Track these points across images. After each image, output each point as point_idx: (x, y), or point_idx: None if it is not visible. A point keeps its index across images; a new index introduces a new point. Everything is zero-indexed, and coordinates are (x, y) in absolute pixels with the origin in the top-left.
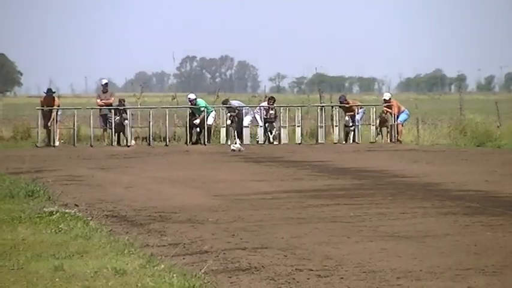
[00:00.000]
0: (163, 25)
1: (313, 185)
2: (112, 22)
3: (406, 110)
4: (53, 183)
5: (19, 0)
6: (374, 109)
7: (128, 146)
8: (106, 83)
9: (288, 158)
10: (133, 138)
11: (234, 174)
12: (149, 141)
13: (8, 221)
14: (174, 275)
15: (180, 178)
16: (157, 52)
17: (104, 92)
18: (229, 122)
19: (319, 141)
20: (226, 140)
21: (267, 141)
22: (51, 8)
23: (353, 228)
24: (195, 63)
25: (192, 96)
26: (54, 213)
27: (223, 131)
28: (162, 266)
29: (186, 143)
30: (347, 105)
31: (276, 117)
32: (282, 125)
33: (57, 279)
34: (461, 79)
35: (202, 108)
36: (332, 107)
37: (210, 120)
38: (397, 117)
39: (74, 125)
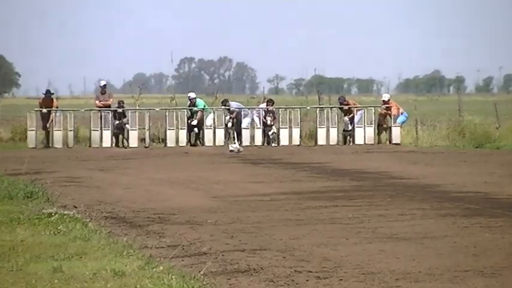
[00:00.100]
0: (161, 26)
1: (311, 187)
2: (111, 23)
3: (405, 112)
4: (51, 184)
5: (17, 2)
6: (373, 110)
7: (125, 148)
8: (104, 85)
9: (286, 160)
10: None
11: (232, 176)
12: (148, 142)
13: (6, 222)
14: (173, 276)
15: (178, 179)
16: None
17: (102, 94)
18: (229, 124)
19: (318, 143)
20: (225, 141)
21: (265, 143)
22: (50, 9)
23: (352, 230)
24: (193, 65)
25: (192, 94)
26: (53, 214)
27: (218, 132)
28: (161, 267)
29: (188, 142)
30: (346, 106)
31: (274, 118)
32: (280, 126)
33: (56, 281)
34: (460, 80)
35: (200, 107)
36: (331, 108)
37: (209, 122)
38: (396, 119)
39: (72, 126)
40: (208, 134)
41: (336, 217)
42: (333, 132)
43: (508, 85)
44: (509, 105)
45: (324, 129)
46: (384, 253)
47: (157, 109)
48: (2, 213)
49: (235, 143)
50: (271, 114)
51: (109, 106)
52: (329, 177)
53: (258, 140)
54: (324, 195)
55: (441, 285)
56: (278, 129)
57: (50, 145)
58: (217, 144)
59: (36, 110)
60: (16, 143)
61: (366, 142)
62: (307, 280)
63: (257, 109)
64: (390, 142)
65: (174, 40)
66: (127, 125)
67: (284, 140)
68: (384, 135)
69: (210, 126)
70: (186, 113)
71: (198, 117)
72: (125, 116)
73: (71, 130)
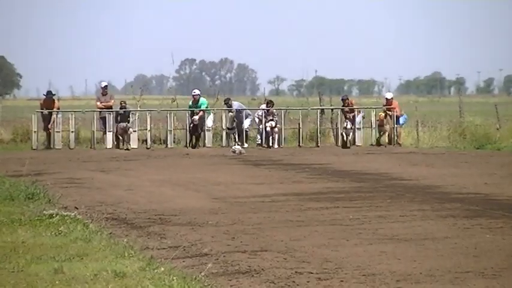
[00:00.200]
0: (163, 27)
1: (312, 188)
2: (112, 25)
3: (404, 114)
4: (52, 185)
5: (18, 3)
6: (374, 112)
7: (129, 150)
8: (105, 86)
9: (287, 161)
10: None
11: (233, 177)
12: (150, 143)
13: (8, 224)
14: (174, 277)
15: (180, 181)
16: (156, 55)
17: (103, 95)
18: (232, 126)
19: (319, 144)
20: (227, 143)
21: (265, 143)
22: (51, 11)
23: (352, 231)
24: (194, 66)
25: (197, 91)
26: (54, 215)
27: (208, 134)
28: (162, 268)
29: (186, 145)
30: (347, 108)
31: (276, 121)
32: (281, 127)
33: (57, 282)
34: (460, 82)
35: (203, 106)
36: (332, 109)
37: (209, 123)
38: (397, 120)
39: (74, 127)
40: (209, 135)
41: (337, 218)
42: (335, 133)
43: (508, 86)
44: (510, 106)
45: (325, 131)
46: (385, 254)
47: (159, 110)
48: (3, 214)
49: (237, 145)
50: (271, 116)
51: (110, 107)
52: (330, 179)
53: (259, 141)
54: (324, 196)
55: (442, 286)
56: (279, 130)
57: (51, 146)
58: (218, 145)
59: (37, 111)
60: (17, 144)
61: (367, 143)
62: (308, 281)
63: (258, 111)
64: (390, 143)
65: (175, 41)
66: (130, 129)
67: (282, 141)
68: (385, 137)
69: (211, 127)
70: (187, 114)
71: (199, 114)
72: (129, 119)
73: (72, 131)
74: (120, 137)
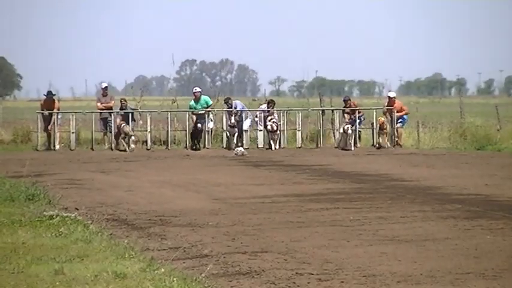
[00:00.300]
0: (163, 28)
1: (312, 189)
2: (112, 25)
3: (405, 116)
4: (53, 186)
5: (19, 4)
6: (375, 113)
7: (132, 152)
8: (106, 87)
9: (287, 162)
10: (133, 142)
11: (233, 178)
12: (150, 145)
13: (8, 225)
14: (175, 279)
15: (180, 182)
16: (157, 56)
17: (103, 96)
18: (233, 127)
19: (319, 145)
20: (229, 144)
21: (266, 144)
22: (51, 11)
23: (353, 232)
24: (194, 67)
25: (198, 88)
26: (54, 216)
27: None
28: (163, 269)
29: (186, 147)
30: (348, 109)
31: (277, 122)
32: (281, 128)
33: (57, 283)
34: (461, 83)
35: (205, 104)
36: (332, 110)
37: (210, 124)
38: (398, 120)
39: (74, 128)
40: (209, 136)
41: (337, 219)
42: (335, 135)
43: (509, 87)
44: (511, 107)
45: (325, 132)
46: (385, 255)
47: (159, 111)
48: (3, 215)
49: (239, 146)
50: (272, 116)
51: (110, 108)
52: (330, 180)
53: (259, 142)
54: (325, 197)
55: (442, 287)
56: (280, 131)
57: (52, 147)
58: (218, 146)
59: (38, 112)
60: (18, 145)
61: (367, 144)
62: (308, 282)
63: (259, 112)
64: (391, 144)
65: (175, 42)
66: (132, 137)
67: (285, 142)
68: (385, 138)
69: (211, 129)
70: (188, 115)
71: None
72: (131, 119)
73: (72, 132)
74: (122, 140)
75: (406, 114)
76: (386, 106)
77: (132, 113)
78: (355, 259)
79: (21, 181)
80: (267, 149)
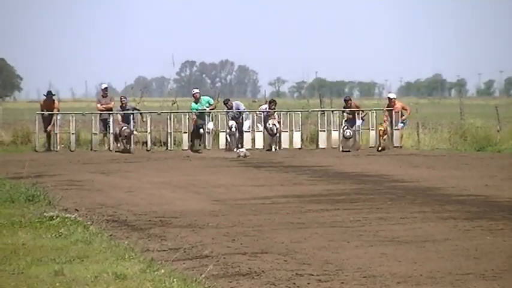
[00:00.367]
0: (163, 29)
1: (312, 190)
2: (112, 26)
3: (406, 120)
4: (53, 187)
5: (18, 4)
6: (375, 114)
7: (133, 153)
8: (106, 88)
9: (287, 163)
10: (133, 143)
11: (233, 179)
12: (150, 146)
13: (8, 226)
14: (175, 279)
15: (180, 183)
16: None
17: (103, 97)
18: (233, 128)
19: (319, 146)
20: (229, 146)
21: (266, 145)
22: (51, 12)
23: (353, 233)
24: (194, 68)
25: (196, 89)
26: (54, 217)
27: (209, 137)
28: (163, 270)
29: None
30: (348, 110)
31: (277, 127)
32: (282, 129)
33: (57, 284)
34: (461, 84)
35: (206, 104)
36: (332, 111)
37: (210, 126)
38: (399, 121)
39: (74, 129)
40: (209, 137)
41: (337, 220)
42: (335, 136)
43: (509, 88)
44: (511, 108)
45: (325, 133)
46: (385, 256)
47: (159, 112)
48: (3, 216)
49: (241, 147)
50: (273, 116)
51: (110, 109)
52: (330, 181)
53: (259, 143)
54: (325, 198)
55: None
56: (280, 132)
57: (52, 148)
58: (218, 147)
59: (37, 113)
60: (18, 147)
61: (367, 145)
62: (308, 283)
63: (259, 112)
64: (391, 145)
65: (175, 43)
66: (134, 133)
67: (285, 143)
68: (385, 139)
69: (211, 130)
70: (188, 116)
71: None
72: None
73: (72, 133)
74: (123, 141)
75: (408, 114)
76: (386, 107)
77: (133, 114)
78: (355, 260)
79: (21, 182)
80: (267, 150)
